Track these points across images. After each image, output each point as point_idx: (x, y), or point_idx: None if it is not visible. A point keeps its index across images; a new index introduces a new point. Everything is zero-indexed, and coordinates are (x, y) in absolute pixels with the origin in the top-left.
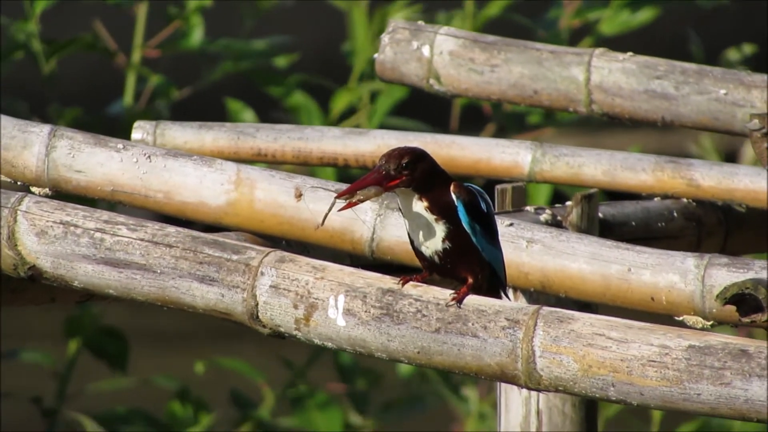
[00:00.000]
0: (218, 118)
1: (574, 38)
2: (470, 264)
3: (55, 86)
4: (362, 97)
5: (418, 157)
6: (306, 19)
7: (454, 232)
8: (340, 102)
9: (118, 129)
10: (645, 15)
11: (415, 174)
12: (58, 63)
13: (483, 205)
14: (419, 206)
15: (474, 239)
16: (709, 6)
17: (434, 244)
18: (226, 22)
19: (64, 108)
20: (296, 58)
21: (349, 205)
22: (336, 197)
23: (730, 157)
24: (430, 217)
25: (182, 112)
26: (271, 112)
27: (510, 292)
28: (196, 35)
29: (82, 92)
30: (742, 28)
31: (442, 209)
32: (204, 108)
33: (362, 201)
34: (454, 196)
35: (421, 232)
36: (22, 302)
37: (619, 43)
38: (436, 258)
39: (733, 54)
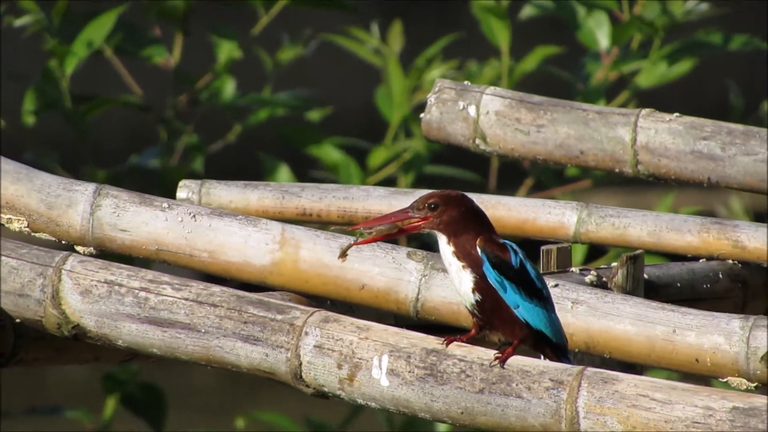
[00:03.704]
0: (254, 172)
1: (613, 90)
2: (506, 322)
3: (87, 144)
4: (399, 153)
5: (447, 200)
6: (334, 74)
7: (482, 285)
8: (376, 159)
9: (154, 184)
10: (682, 67)
11: (443, 217)
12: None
13: (515, 262)
14: (448, 250)
15: (503, 295)
16: (746, 50)
17: (467, 294)
18: (254, 82)
19: (97, 168)
20: (329, 112)
21: (365, 241)
22: (350, 228)
23: (760, 218)
24: (457, 263)
25: (218, 168)
26: (308, 168)
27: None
28: (228, 89)
29: (114, 143)
30: None
31: (468, 257)
32: (240, 163)
33: (378, 237)
34: (479, 249)
35: (455, 280)
36: (66, 361)
37: (660, 93)
38: (476, 311)
39: None
